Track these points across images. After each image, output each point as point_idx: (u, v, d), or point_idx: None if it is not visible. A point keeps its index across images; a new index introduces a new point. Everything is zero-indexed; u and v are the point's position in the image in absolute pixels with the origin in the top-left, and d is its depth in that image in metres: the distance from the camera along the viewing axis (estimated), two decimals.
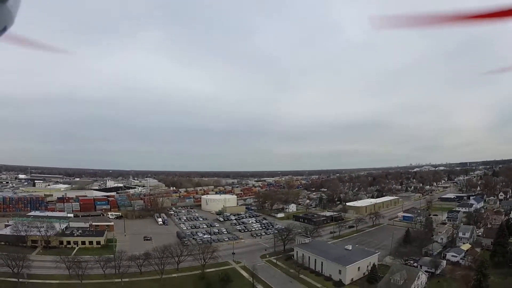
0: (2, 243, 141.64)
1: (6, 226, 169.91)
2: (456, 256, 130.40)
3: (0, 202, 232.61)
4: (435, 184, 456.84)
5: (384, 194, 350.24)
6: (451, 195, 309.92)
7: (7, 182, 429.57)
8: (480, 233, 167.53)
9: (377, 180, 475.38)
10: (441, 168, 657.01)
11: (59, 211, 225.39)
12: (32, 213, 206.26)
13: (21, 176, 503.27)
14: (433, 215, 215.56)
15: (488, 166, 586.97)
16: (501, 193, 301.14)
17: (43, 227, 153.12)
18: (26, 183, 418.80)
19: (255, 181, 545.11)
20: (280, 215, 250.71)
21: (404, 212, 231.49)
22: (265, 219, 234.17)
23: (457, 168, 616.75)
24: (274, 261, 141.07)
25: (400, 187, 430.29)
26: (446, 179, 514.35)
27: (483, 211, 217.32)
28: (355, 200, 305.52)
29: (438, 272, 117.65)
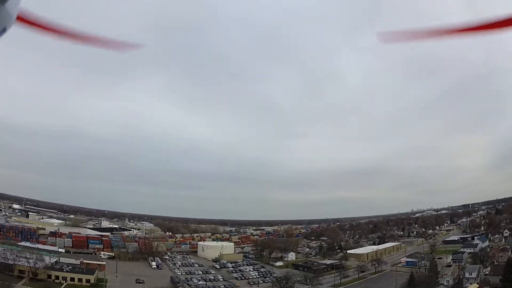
0: None
1: None
2: None
3: None
4: (437, 227, 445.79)
5: (386, 240, 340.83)
6: (455, 237, 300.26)
7: (0, 210, 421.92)
8: (487, 272, 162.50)
9: (378, 227, 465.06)
10: (443, 211, 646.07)
11: (51, 245, 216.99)
12: (23, 243, 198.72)
13: (15, 206, 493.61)
14: (438, 258, 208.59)
15: (490, 206, 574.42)
16: (506, 230, 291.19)
17: (33, 258, 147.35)
18: (19, 214, 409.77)
19: (253, 229, 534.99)
20: (279, 263, 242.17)
21: (407, 257, 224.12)
22: (263, 267, 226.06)
23: (460, 210, 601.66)
24: None
25: (402, 233, 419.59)
26: (449, 222, 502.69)
27: (488, 250, 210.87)
28: (356, 247, 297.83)
29: None
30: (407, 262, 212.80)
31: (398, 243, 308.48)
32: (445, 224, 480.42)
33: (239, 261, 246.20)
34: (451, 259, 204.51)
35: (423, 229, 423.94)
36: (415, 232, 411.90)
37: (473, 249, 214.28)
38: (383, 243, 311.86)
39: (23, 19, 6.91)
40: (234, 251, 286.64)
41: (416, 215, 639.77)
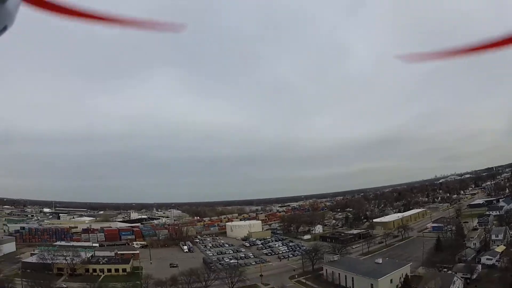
0: (28, 270, 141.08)
1: (32, 254, 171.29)
2: (491, 259, 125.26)
3: (26, 233, 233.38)
4: (462, 192, 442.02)
5: (411, 207, 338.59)
6: (480, 201, 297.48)
7: (32, 216, 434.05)
8: None
9: (403, 195, 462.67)
10: (467, 176, 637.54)
11: (85, 241, 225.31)
12: (58, 243, 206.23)
13: (46, 210, 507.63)
14: (464, 222, 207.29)
15: None
16: None
17: (69, 255, 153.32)
18: (51, 216, 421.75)
19: (279, 206, 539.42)
20: (307, 237, 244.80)
21: (433, 223, 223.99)
22: (292, 241, 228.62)
23: (484, 174, 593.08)
24: (303, 281, 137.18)
25: (426, 199, 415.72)
26: (473, 186, 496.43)
27: None
28: (382, 216, 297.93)
29: (474, 277, 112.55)
30: (433, 227, 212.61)
31: (423, 210, 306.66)
32: (470, 188, 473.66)
33: (267, 237, 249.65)
34: (477, 223, 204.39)
35: (448, 194, 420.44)
36: (439, 198, 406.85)
37: (499, 212, 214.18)
38: (408, 211, 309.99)
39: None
40: (262, 229, 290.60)
41: (440, 181, 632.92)
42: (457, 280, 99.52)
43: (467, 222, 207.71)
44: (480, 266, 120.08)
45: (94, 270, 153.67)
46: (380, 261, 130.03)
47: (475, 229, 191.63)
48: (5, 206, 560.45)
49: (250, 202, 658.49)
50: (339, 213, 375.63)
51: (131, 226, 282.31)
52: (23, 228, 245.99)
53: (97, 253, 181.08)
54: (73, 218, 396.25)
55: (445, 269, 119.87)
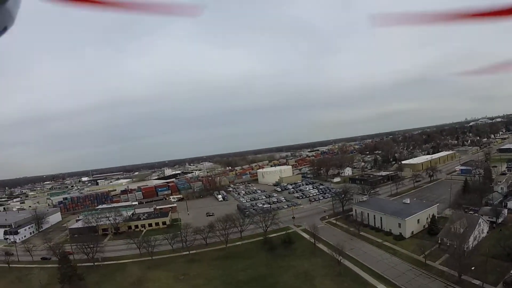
0: (76, 235, 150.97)
1: (77, 221, 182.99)
2: None
3: (69, 203, 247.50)
4: (492, 136, 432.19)
5: (439, 150, 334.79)
6: (510, 146, 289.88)
7: (72, 186, 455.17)
8: None
9: (432, 137, 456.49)
10: (498, 120, 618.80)
11: (124, 201, 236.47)
12: (100, 206, 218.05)
13: (84, 178, 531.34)
14: (492, 166, 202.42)
15: None
16: None
17: (111, 216, 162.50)
18: (89, 184, 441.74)
19: (308, 151, 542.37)
20: (336, 179, 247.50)
21: (461, 166, 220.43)
22: (322, 184, 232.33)
23: None
24: (334, 221, 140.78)
25: (456, 142, 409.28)
26: (504, 131, 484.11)
27: None
28: (411, 158, 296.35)
29: (499, 220, 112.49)
30: (461, 170, 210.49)
31: (452, 152, 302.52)
32: (500, 133, 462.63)
33: (298, 182, 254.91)
34: (506, 167, 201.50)
35: (478, 138, 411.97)
36: (469, 141, 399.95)
37: None
38: (437, 153, 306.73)
39: None
40: (293, 173, 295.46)
41: (470, 124, 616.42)
42: (482, 222, 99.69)
43: (496, 167, 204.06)
44: (506, 210, 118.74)
45: (136, 227, 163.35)
46: (408, 202, 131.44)
47: (503, 173, 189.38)
48: (45, 182, 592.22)
49: (279, 149, 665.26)
50: (368, 156, 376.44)
51: (166, 182, 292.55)
52: (65, 198, 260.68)
53: (137, 211, 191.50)
54: (111, 182, 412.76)
55: (471, 211, 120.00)
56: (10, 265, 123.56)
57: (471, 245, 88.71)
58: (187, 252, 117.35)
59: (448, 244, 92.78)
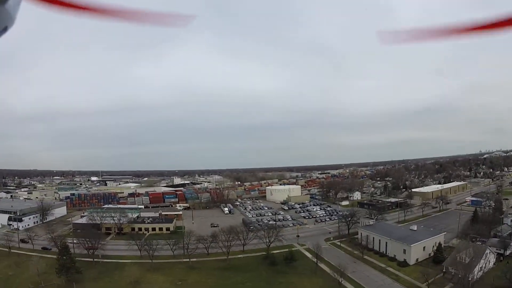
0: (79, 230, 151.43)
1: (81, 216, 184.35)
2: None
3: (76, 199, 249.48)
4: (506, 169, 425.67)
5: (451, 180, 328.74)
6: None
7: (81, 184, 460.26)
8: None
9: (444, 167, 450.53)
10: None
11: (131, 204, 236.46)
12: (106, 206, 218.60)
13: (93, 178, 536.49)
14: (504, 199, 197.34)
15: None
16: None
17: (116, 216, 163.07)
18: (98, 184, 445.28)
19: (318, 173, 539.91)
20: (345, 202, 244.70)
21: (472, 196, 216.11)
22: (330, 206, 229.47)
23: None
24: (338, 243, 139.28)
25: (468, 173, 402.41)
26: None
27: None
28: (421, 186, 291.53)
29: (507, 253, 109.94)
30: (472, 201, 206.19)
31: (464, 183, 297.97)
32: None
33: (306, 202, 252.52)
34: None
35: (491, 170, 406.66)
36: (482, 173, 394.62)
37: None
38: (449, 183, 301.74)
39: None
40: (301, 193, 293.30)
41: (484, 156, 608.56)
42: (489, 253, 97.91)
43: (507, 199, 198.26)
44: None
45: (140, 229, 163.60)
46: (415, 228, 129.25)
47: None
48: (55, 177, 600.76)
49: (290, 169, 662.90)
50: (379, 182, 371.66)
51: (174, 190, 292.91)
52: (72, 194, 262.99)
53: (143, 214, 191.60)
54: (119, 184, 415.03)
55: (479, 242, 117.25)
56: (11, 250, 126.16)
57: (476, 276, 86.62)
58: (188, 259, 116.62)
59: (453, 273, 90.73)
